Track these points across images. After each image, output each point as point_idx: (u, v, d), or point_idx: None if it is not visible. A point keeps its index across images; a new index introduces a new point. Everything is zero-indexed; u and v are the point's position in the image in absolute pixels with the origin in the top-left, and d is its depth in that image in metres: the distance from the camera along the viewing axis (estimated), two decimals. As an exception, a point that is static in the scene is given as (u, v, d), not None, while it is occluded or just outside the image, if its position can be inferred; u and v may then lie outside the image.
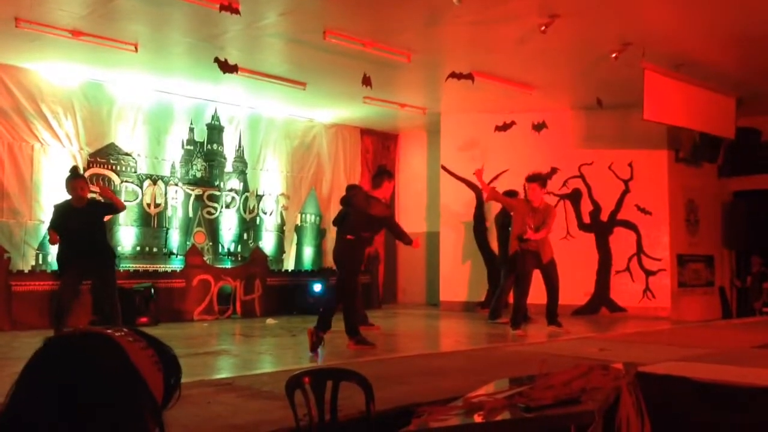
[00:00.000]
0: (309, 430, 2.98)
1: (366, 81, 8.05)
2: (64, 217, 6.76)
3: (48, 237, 7.04)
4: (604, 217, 11.10)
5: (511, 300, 9.01)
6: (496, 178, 11.18)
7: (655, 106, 8.61)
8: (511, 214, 8.59)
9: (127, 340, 1.00)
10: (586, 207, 11.17)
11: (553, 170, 11.09)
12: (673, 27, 7.54)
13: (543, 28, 7.18)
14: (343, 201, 7.33)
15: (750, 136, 11.21)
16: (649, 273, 10.89)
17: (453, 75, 8.49)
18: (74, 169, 7.17)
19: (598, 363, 2.66)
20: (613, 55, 8.00)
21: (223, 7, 6.47)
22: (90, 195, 7.07)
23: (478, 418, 2.05)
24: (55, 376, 0.95)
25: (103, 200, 7.39)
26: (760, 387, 3.70)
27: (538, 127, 11.30)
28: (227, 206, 10.73)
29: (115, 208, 7.25)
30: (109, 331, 1.02)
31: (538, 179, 8.31)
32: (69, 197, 6.84)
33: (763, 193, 11.62)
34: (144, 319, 8.70)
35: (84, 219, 6.71)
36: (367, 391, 3.06)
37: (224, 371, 5.22)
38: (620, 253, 10.97)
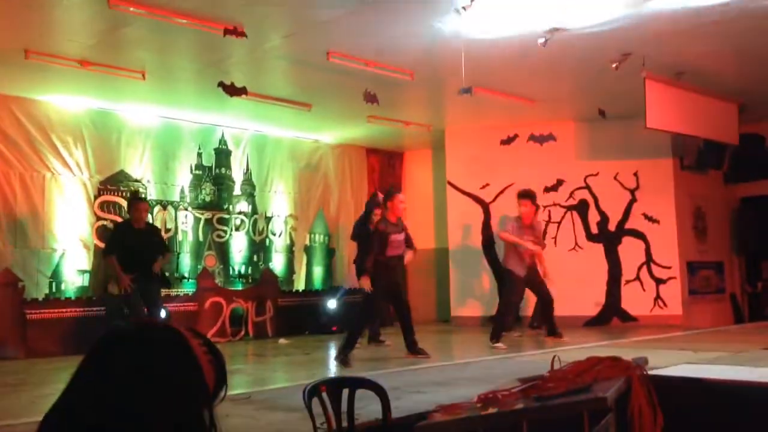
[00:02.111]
0: (327, 437, 3.02)
1: (370, 98, 8.11)
2: (124, 235, 7.09)
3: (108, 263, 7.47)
4: (612, 227, 11.11)
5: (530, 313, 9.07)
6: (502, 192, 11.25)
7: (658, 115, 8.66)
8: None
9: (190, 335, 1.10)
10: (594, 218, 11.19)
11: (559, 182, 11.14)
12: (674, 37, 7.59)
13: (543, 41, 7.27)
14: (358, 225, 7.60)
15: (754, 142, 11.24)
16: (659, 281, 10.87)
17: (463, 91, 8.55)
18: (137, 193, 7.56)
19: (608, 356, 2.71)
20: (614, 66, 8.07)
21: (228, 31, 6.58)
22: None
23: (492, 410, 2.10)
24: (123, 356, 1.04)
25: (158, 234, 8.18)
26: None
27: (538, 139, 11.35)
28: (237, 229, 10.81)
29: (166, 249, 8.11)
30: (173, 325, 1.14)
31: (530, 196, 8.43)
32: (128, 218, 7.21)
33: (770, 199, 11.62)
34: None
35: (144, 239, 7.04)
36: (383, 399, 3.11)
37: (240, 387, 5.26)
38: (629, 262, 10.97)
